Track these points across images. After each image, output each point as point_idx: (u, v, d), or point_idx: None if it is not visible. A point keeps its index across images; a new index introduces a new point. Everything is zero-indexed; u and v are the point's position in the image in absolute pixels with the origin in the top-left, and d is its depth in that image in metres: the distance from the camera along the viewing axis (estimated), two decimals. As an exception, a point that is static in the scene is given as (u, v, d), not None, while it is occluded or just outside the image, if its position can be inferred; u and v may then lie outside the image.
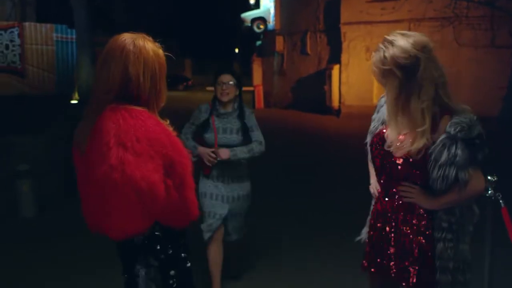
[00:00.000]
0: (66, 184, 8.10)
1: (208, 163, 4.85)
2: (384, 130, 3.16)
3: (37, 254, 6.35)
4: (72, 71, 23.31)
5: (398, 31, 3.02)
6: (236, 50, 51.62)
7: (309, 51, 24.40)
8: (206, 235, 4.92)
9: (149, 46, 2.72)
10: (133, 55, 2.66)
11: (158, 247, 2.75)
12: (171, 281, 2.81)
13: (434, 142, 2.90)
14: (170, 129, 2.74)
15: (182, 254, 2.86)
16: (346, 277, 5.42)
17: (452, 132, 2.83)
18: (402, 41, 2.91)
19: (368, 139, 3.31)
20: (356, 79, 21.31)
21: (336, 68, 22.04)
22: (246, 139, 4.96)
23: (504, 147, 10.84)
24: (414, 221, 3.04)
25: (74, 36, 22.24)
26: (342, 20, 21.99)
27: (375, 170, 3.25)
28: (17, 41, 22.91)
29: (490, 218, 3.31)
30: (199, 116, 5.05)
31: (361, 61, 21.44)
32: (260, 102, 27.14)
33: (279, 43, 26.81)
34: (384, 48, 2.95)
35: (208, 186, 5.02)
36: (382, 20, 20.56)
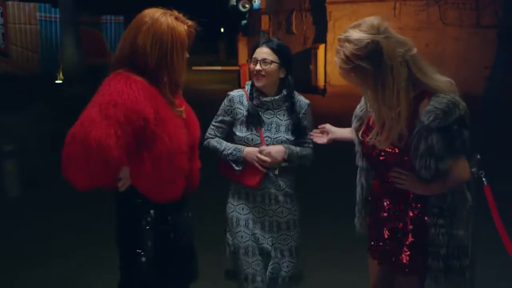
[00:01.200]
0: (52, 163, 8.06)
1: (261, 167, 3.52)
2: (371, 120, 3.08)
3: (21, 233, 6.39)
4: (57, 50, 23.15)
5: (349, 26, 2.94)
6: (222, 30, 51.32)
7: (294, 30, 24.31)
8: None
9: (165, 19, 2.75)
10: (145, 26, 2.73)
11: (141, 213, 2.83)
12: (141, 252, 2.84)
13: (413, 129, 2.81)
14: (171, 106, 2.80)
15: (162, 229, 2.88)
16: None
17: (426, 122, 2.74)
18: (355, 33, 2.82)
19: (354, 124, 3.23)
20: (341, 59, 21.28)
21: (321, 48, 21.97)
22: (296, 141, 3.67)
23: (488, 126, 10.91)
24: (407, 207, 3.01)
25: (58, 15, 22.05)
26: (327, -1, 21.94)
27: (365, 158, 3.19)
28: (0, 20, 22.64)
29: (473, 196, 3.34)
30: (232, 109, 3.66)
31: (346, 41, 21.41)
32: (245, 81, 26.89)
33: (265, 22, 26.67)
34: (341, 48, 2.85)
35: (241, 208, 3.64)
36: (368, -1, 20.52)
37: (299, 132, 3.64)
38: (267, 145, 3.53)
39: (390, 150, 2.94)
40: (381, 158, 3.00)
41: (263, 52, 3.56)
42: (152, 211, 2.83)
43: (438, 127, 2.72)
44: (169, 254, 2.92)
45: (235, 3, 30.62)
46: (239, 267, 3.60)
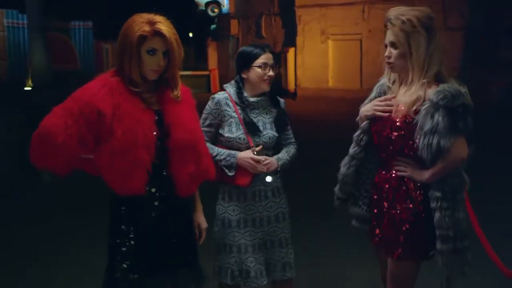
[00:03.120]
0: (22, 169, 8.01)
1: (253, 170, 3.63)
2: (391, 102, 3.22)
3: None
4: (25, 57, 22.90)
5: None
6: (191, 34, 51.30)
7: (264, 34, 24.44)
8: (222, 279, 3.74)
9: (131, 20, 2.90)
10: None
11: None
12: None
13: (420, 110, 3.00)
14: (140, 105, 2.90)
15: (122, 226, 2.95)
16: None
17: (435, 99, 2.93)
18: (416, 8, 3.13)
19: (373, 98, 3.33)
20: (311, 62, 21.43)
21: (291, 51, 22.14)
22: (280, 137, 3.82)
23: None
24: (406, 194, 3.13)
25: (25, 22, 21.81)
26: (296, 3, 22.06)
27: (376, 146, 3.28)
28: (-33, 27, 22.40)
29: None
30: (219, 112, 3.73)
31: (316, 44, 21.56)
32: (215, 86, 27.03)
33: (234, 26, 26.78)
34: (402, 13, 3.07)
35: (232, 209, 3.74)
36: (337, 2, 20.70)
37: (282, 128, 3.82)
38: (256, 143, 3.67)
39: (397, 133, 3.09)
40: (389, 140, 3.13)
41: (271, 57, 3.75)
42: (123, 208, 2.95)
43: (445, 105, 2.91)
44: (131, 254, 2.97)
45: (203, 8, 30.62)
46: (233, 264, 3.70)
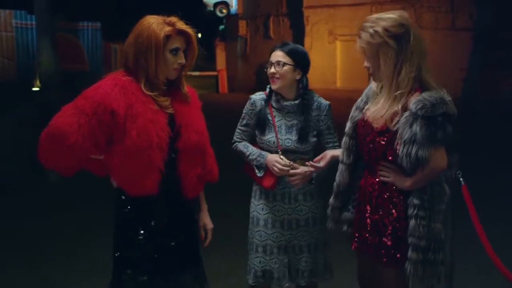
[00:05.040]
0: (31, 168, 8.05)
1: (277, 174, 3.66)
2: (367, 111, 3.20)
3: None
4: (33, 57, 22.93)
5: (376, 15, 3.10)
6: (199, 35, 51.47)
7: (272, 35, 24.37)
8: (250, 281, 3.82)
9: (147, 22, 2.89)
10: (134, 28, 2.92)
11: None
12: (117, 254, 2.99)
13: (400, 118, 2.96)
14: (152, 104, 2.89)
15: (130, 227, 2.95)
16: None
17: (413, 109, 2.88)
18: (388, 15, 3.01)
19: (353, 113, 3.33)
20: (319, 63, 21.35)
21: (299, 52, 22.09)
22: (306, 141, 3.72)
23: (465, 127, 11.02)
24: (389, 200, 3.11)
25: (34, 22, 21.85)
26: (304, 4, 22.00)
27: (361, 151, 3.26)
28: (-25, 27, 22.47)
29: (450, 197, 3.38)
30: (255, 112, 3.79)
31: (324, 45, 21.52)
32: (224, 86, 27.04)
33: (242, 27, 26.71)
34: (372, 24, 3.00)
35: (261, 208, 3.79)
36: (345, 3, 20.61)
37: (318, 133, 3.75)
38: (285, 150, 3.67)
39: (379, 139, 3.07)
40: (373, 146, 3.11)
41: (277, 55, 3.68)
42: (128, 207, 2.95)
43: (423, 115, 2.86)
44: (139, 255, 2.97)
45: (212, 9, 30.59)
46: (257, 265, 3.74)
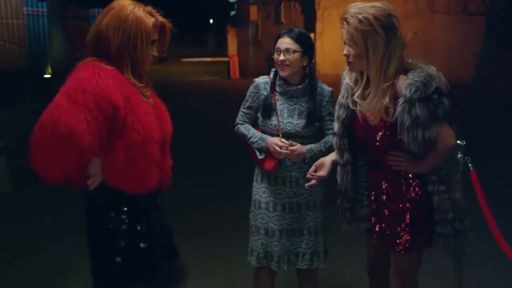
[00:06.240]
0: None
1: (277, 156, 3.70)
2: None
3: (12, 229, 6.36)
4: (44, 45, 23.03)
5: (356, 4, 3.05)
6: (211, 21, 51.26)
7: (283, 20, 24.29)
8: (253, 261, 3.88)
9: (131, 8, 2.74)
10: (111, 11, 2.75)
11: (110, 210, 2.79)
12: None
13: (396, 106, 2.94)
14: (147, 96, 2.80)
15: (138, 227, 2.81)
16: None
17: (408, 94, 2.88)
18: (374, 4, 2.99)
19: (338, 113, 3.28)
20: (330, 48, 21.27)
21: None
22: (311, 126, 3.78)
23: (475, 113, 10.97)
24: (403, 187, 3.11)
25: (45, 9, 21.91)
26: (315, -11, 21.92)
27: (359, 144, 3.24)
28: (-13, 15, 22.53)
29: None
30: (258, 95, 3.84)
31: (335, 30, 21.39)
32: (235, 72, 26.98)
33: (253, 13, 26.61)
34: (359, 11, 2.97)
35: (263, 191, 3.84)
36: (356, -12, 20.51)
37: (319, 119, 3.79)
38: (286, 133, 3.70)
39: (381, 134, 3.05)
40: (375, 139, 3.10)
41: (285, 42, 3.67)
42: (125, 208, 2.78)
43: (419, 98, 2.86)
44: (145, 254, 2.85)
45: (223, -6, 30.56)
46: (259, 246, 3.79)
